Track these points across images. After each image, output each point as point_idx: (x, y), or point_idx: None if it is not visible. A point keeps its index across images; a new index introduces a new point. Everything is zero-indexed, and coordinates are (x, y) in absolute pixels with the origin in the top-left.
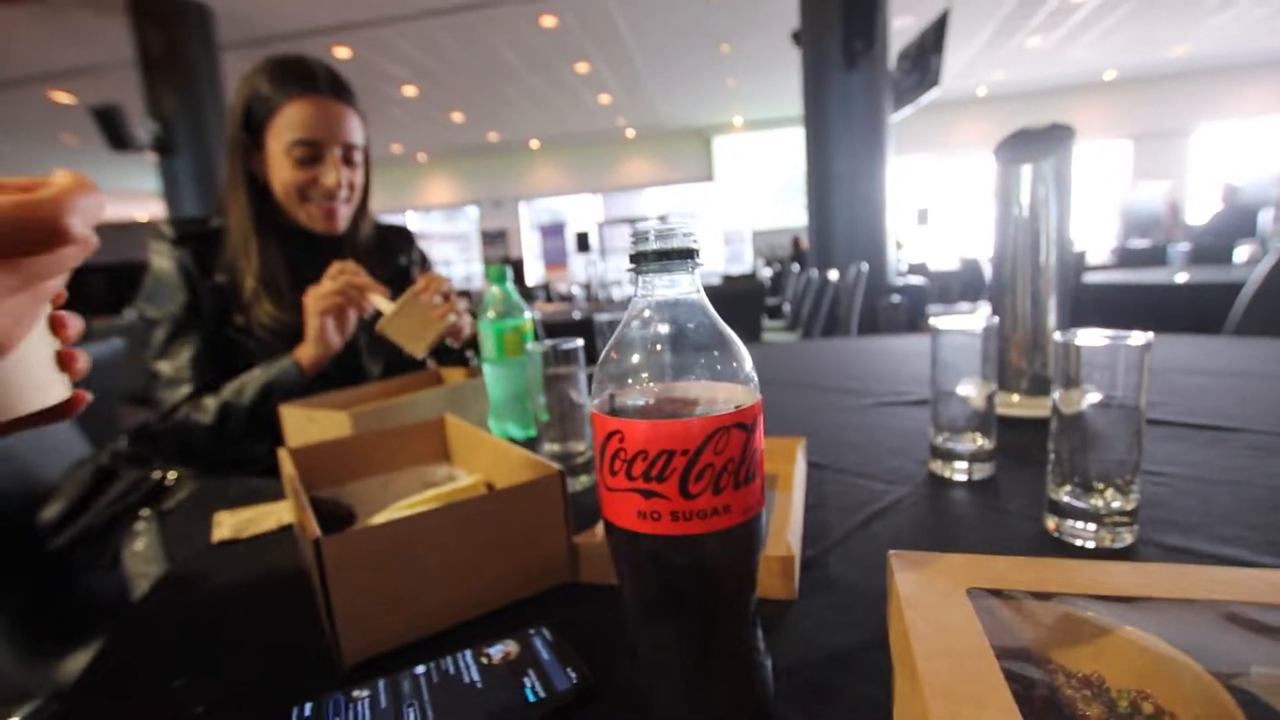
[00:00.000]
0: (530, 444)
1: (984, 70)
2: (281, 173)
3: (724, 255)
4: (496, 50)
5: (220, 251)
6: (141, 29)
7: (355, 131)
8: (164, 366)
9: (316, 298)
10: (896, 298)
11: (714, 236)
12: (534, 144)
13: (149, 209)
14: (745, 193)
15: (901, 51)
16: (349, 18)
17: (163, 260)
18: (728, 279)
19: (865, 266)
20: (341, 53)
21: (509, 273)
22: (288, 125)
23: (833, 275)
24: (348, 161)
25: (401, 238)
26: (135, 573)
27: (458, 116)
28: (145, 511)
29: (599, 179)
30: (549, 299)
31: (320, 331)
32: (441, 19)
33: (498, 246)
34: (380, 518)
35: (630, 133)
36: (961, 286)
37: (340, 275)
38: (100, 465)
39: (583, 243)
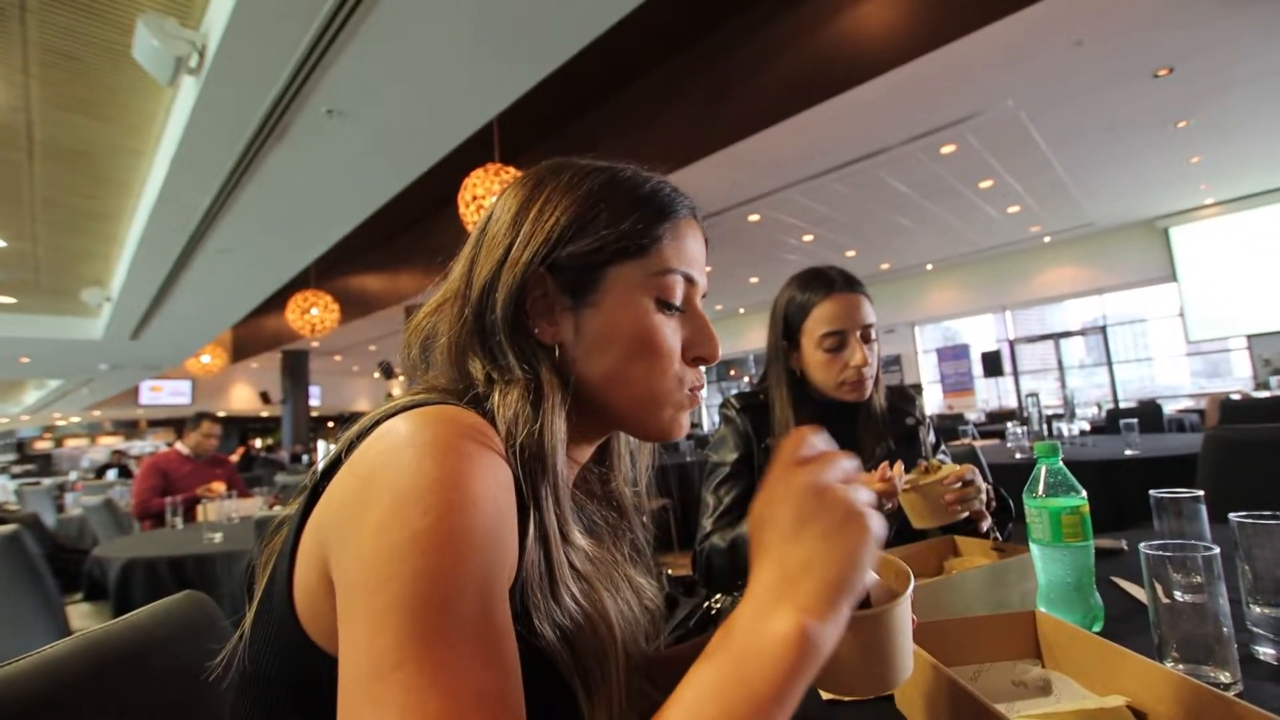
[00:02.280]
0: None
1: None
2: (816, 360)
3: (1190, 370)
4: (890, 187)
5: (771, 420)
6: None
7: (868, 314)
8: (710, 499)
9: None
10: None
11: (1176, 348)
12: (928, 267)
13: None
14: (1225, 289)
15: None
16: (760, 190)
17: (730, 423)
18: (1228, 404)
19: None
20: (753, 217)
21: (1060, 449)
22: (817, 322)
23: None
24: (865, 340)
25: (905, 398)
26: None
27: (851, 253)
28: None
29: (1005, 294)
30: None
31: None
32: (839, 172)
33: (892, 374)
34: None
35: (1048, 239)
36: None
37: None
38: (666, 593)
39: (991, 364)
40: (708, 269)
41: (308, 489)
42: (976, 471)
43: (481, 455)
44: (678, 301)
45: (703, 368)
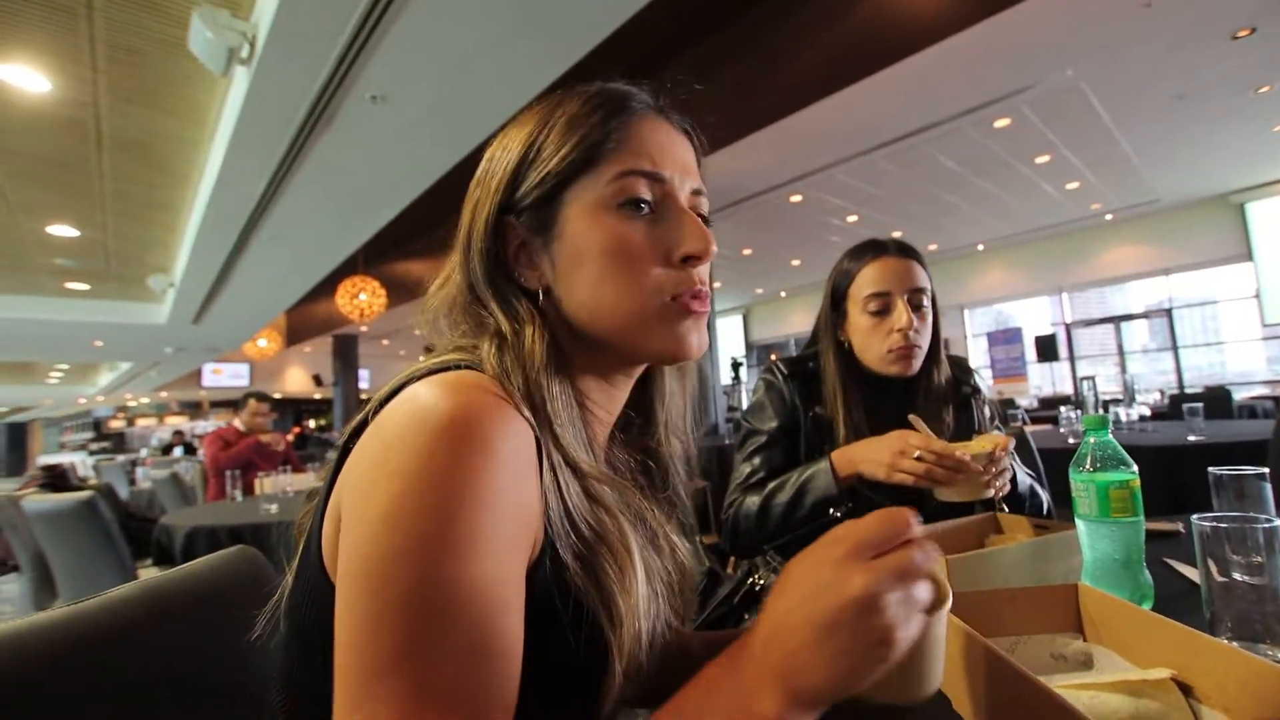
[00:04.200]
0: None
1: None
2: (861, 326)
3: (1265, 355)
4: (939, 164)
5: (820, 388)
6: None
7: (918, 278)
8: (744, 467)
9: (896, 463)
10: None
11: (1250, 331)
12: (979, 247)
13: None
14: None
15: None
16: (803, 169)
17: (772, 388)
18: None
19: None
20: (795, 198)
21: (1110, 421)
22: (862, 285)
23: None
24: (915, 306)
25: (962, 369)
26: None
27: (897, 233)
28: (747, 615)
29: (1062, 275)
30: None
31: (878, 468)
32: (886, 149)
33: None
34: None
35: (1110, 217)
36: None
37: (929, 454)
38: (709, 568)
39: (1046, 349)
40: (746, 251)
41: (338, 450)
42: (1012, 447)
43: (497, 427)
44: (644, 198)
45: (702, 270)
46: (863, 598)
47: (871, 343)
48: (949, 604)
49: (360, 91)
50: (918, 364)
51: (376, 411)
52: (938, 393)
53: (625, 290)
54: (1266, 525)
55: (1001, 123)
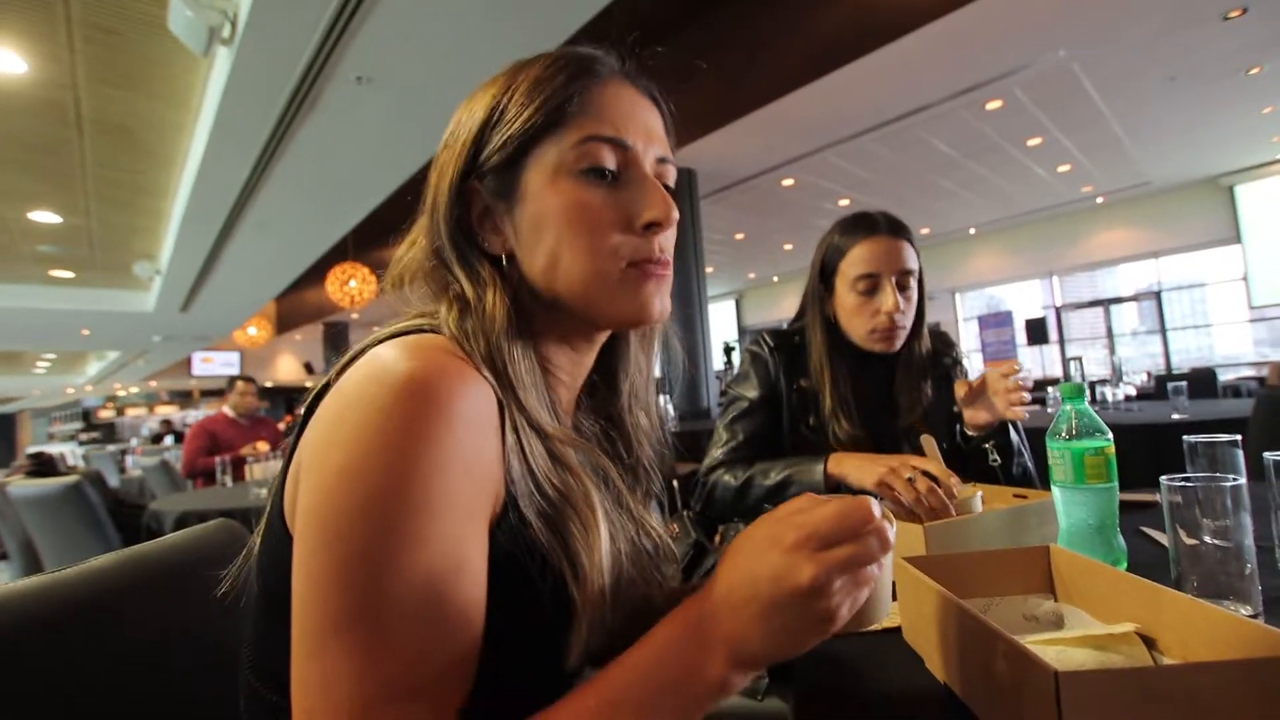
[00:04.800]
0: None
1: None
2: (848, 304)
3: (1252, 337)
4: (932, 147)
5: (806, 361)
6: None
7: (907, 260)
8: (724, 433)
9: (889, 479)
10: None
11: (1238, 314)
12: (971, 231)
13: None
14: None
15: None
16: (794, 153)
17: (758, 359)
18: None
19: None
20: (787, 182)
21: (1085, 390)
22: (852, 264)
23: None
24: (902, 288)
25: (943, 342)
26: None
27: None
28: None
29: (1053, 259)
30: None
31: (865, 475)
32: (877, 133)
33: None
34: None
35: (1100, 200)
36: None
37: (923, 484)
38: (695, 539)
39: (1036, 332)
40: (738, 235)
41: (302, 414)
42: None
43: (456, 388)
44: (606, 169)
45: (664, 238)
46: (811, 588)
47: (856, 321)
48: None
49: (345, 72)
50: (899, 343)
51: (340, 375)
52: (918, 365)
53: (584, 255)
54: (1231, 484)
55: (993, 105)
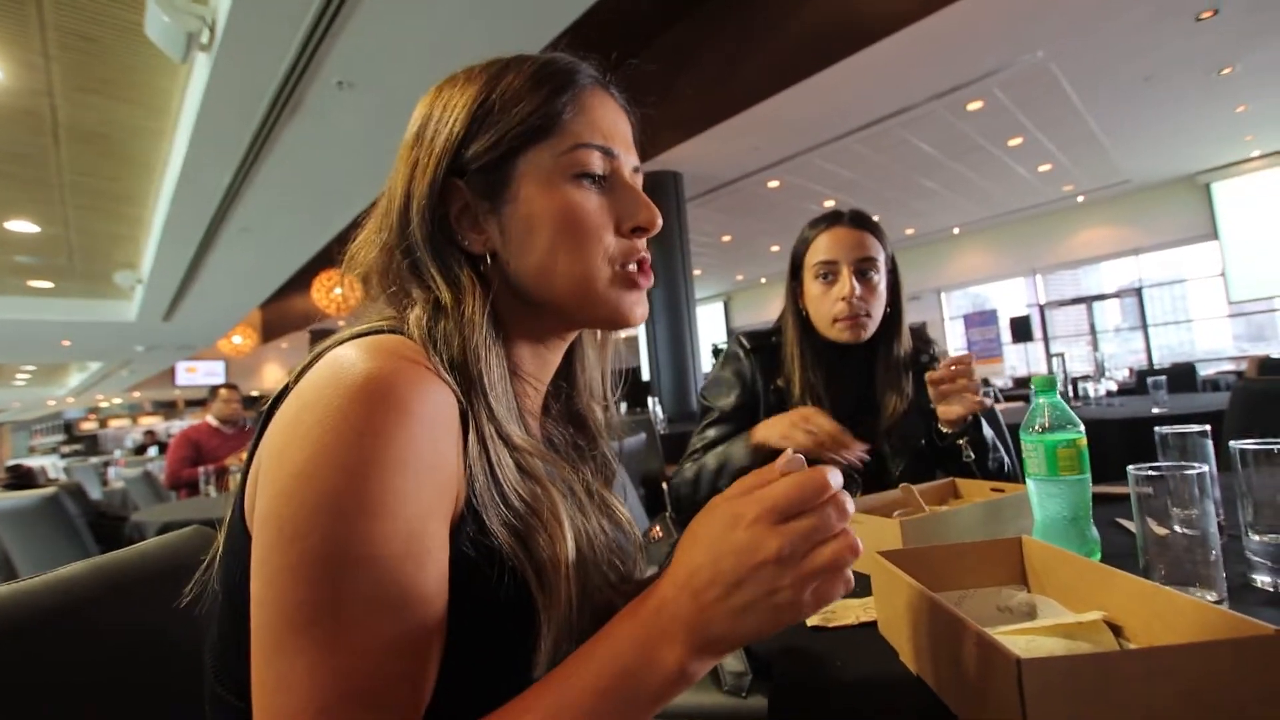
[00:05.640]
0: None
1: None
2: (813, 294)
3: (1232, 332)
4: (914, 147)
5: (782, 361)
6: None
7: (867, 248)
8: (696, 440)
9: (790, 430)
10: None
11: (1217, 309)
12: (955, 230)
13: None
14: (1270, 246)
15: None
16: (780, 155)
17: (734, 363)
18: (1269, 363)
19: None
20: (772, 184)
21: (1058, 382)
22: (814, 253)
23: None
24: (862, 275)
25: (922, 340)
26: None
27: (874, 218)
28: None
29: (1036, 257)
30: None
31: (771, 433)
32: (861, 134)
33: None
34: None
35: (1081, 199)
36: None
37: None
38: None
39: (1021, 330)
40: (725, 238)
41: (263, 413)
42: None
43: (414, 390)
44: (598, 172)
45: (645, 240)
46: (779, 559)
47: (820, 309)
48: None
49: (326, 77)
50: (867, 332)
51: (301, 376)
52: (896, 363)
53: (580, 257)
54: (1195, 472)
55: (974, 105)
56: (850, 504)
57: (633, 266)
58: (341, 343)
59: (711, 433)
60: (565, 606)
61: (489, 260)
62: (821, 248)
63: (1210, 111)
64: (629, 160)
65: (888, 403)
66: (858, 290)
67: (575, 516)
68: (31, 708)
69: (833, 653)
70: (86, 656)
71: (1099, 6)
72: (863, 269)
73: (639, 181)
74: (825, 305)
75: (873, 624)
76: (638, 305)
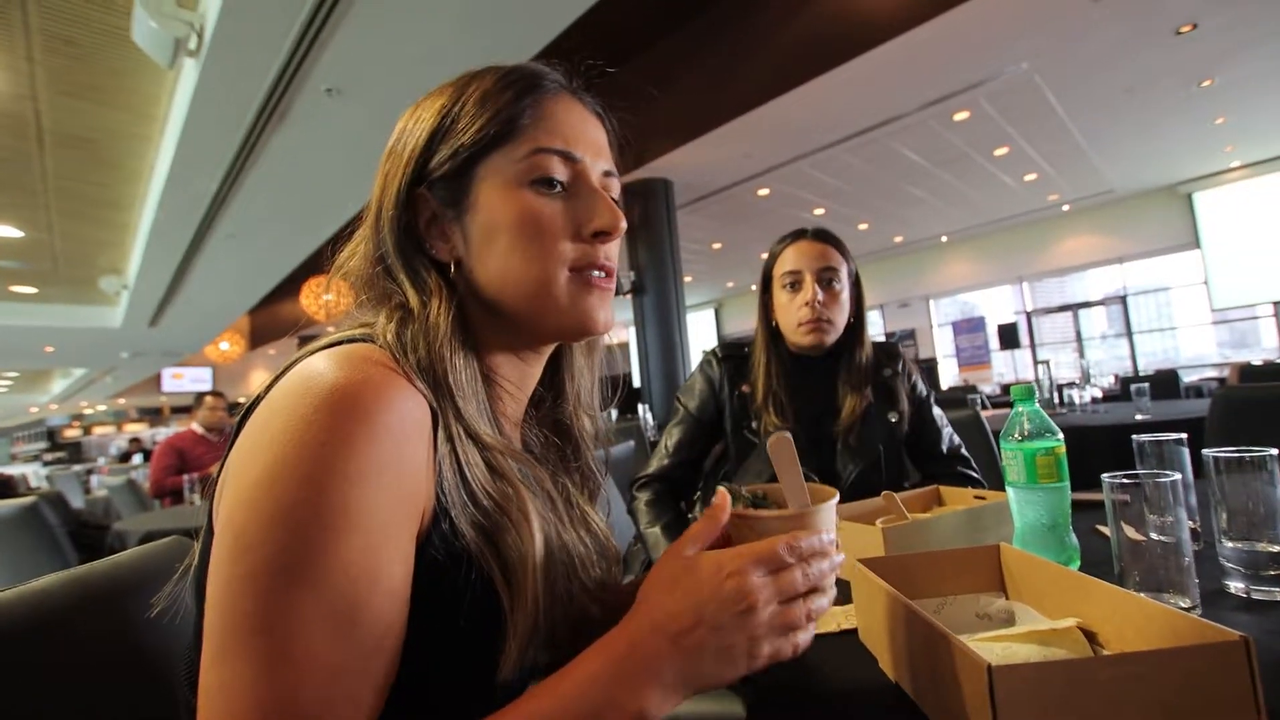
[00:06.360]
0: None
1: None
2: (780, 303)
3: (1215, 340)
4: (902, 156)
5: (750, 369)
6: (629, 203)
7: (830, 259)
8: (665, 437)
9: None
10: None
11: (1200, 317)
12: (943, 239)
13: (624, 334)
14: (1251, 255)
15: None
16: (769, 163)
17: (705, 370)
18: (1249, 370)
19: None
20: (763, 192)
21: (1036, 391)
22: (780, 266)
23: None
24: (824, 283)
25: (887, 353)
26: None
27: (863, 226)
28: None
29: (1023, 265)
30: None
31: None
32: (850, 143)
33: (907, 348)
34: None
35: (1066, 208)
36: None
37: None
38: None
39: (1008, 337)
40: (715, 245)
41: (237, 422)
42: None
43: (381, 399)
44: (557, 180)
45: (610, 249)
46: (759, 608)
47: (786, 316)
48: (834, 501)
49: (315, 84)
50: (830, 338)
51: (273, 385)
52: (857, 369)
53: (534, 261)
54: (1168, 480)
55: (960, 115)
56: (837, 557)
57: (595, 272)
58: (314, 352)
59: (676, 432)
60: (533, 606)
61: (455, 267)
62: (788, 259)
63: (1191, 123)
64: (597, 165)
65: (846, 405)
66: (820, 296)
67: (547, 518)
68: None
69: (814, 659)
70: (59, 669)
71: (1081, 20)
72: (826, 278)
73: (613, 186)
74: (791, 312)
75: (853, 631)
76: (599, 310)
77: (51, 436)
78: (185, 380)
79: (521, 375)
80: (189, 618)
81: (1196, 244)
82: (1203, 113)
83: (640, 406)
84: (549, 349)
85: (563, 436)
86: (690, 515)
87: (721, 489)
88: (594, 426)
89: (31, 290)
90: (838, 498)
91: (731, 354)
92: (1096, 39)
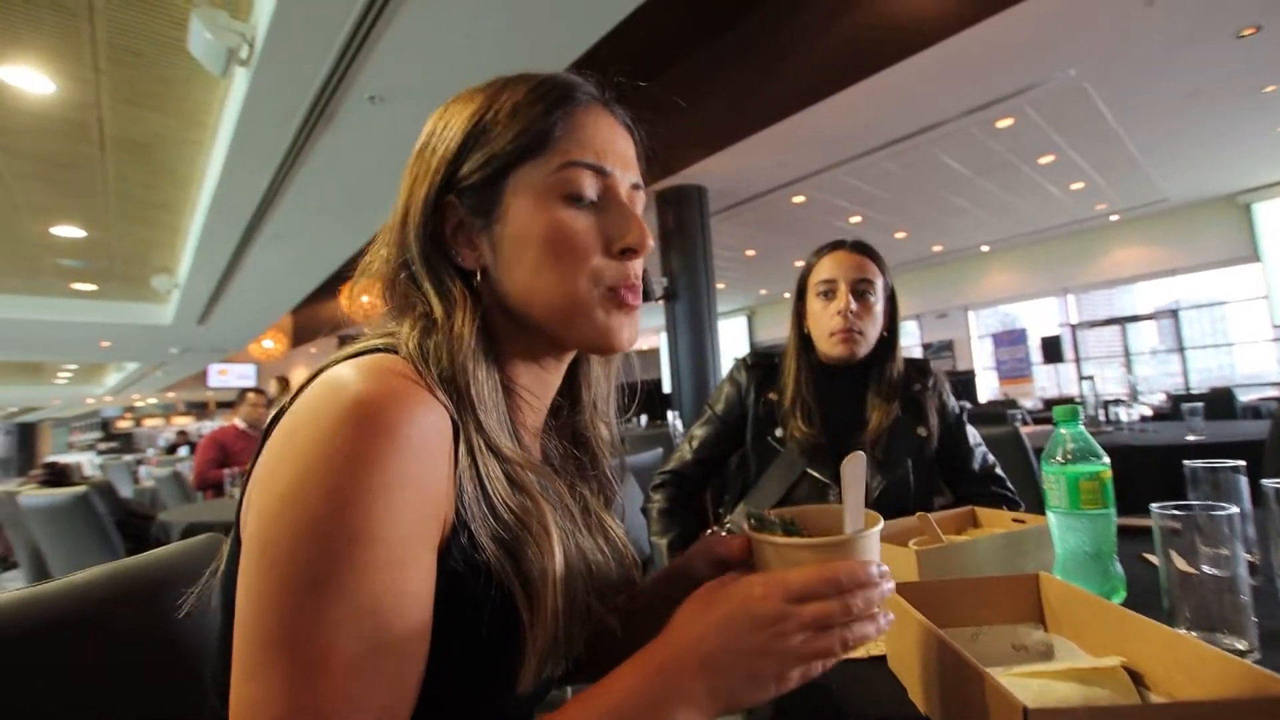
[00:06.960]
0: None
1: None
2: (813, 311)
3: (1276, 356)
4: (943, 164)
5: (779, 377)
6: (663, 210)
7: (866, 271)
8: (690, 434)
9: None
10: None
11: (1260, 332)
12: (984, 248)
13: (655, 340)
14: None
15: None
16: (805, 170)
17: (734, 375)
18: None
19: None
20: (798, 199)
21: (1081, 412)
22: (815, 275)
23: None
24: (858, 294)
25: (919, 370)
26: None
27: (901, 234)
28: None
29: (1067, 277)
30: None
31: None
32: (889, 150)
33: (943, 360)
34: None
35: (1115, 218)
36: None
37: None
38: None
39: (1051, 350)
40: (749, 252)
41: (264, 431)
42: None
43: (404, 412)
44: (587, 194)
45: (636, 264)
46: (795, 633)
47: (819, 325)
48: (879, 528)
49: (359, 92)
50: (861, 350)
51: (299, 394)
52: (887, 383)
53: (565, 277)
54: (1225, 514)
55: (1004, 123)
56: (886, 586)
57: (622, 290)
58: (338, 362)
59: (701, 432)
60: (552, 621)
61: (480, 276)
62: (824, 268)
63: (1252, 130)
64: (626, 178)
65: (873, 417)
66: (853, 306)
67: (567, 531)
68: (42, 712)
69: (841, 686)
70: (97, 661)
71: (1133, 23)
72: (860, 289)
73: (639, 200)
74: (824, 320)
75: (883, 658)
76: (624, 329)
77: (105, 427)
78: (230, 376)
79: (542, 385)
80: (217, 617)
81: (1256, 256)
82: (1265, 119)
83: (670, 413)
84: (569, 356)
85: (580, 446)
86: (710, 530)
87: (748, 516)
88: (610, 434)
89: (91, 288)
90: (881, 524)
91: (760, 362)
92: (1149, 43)
